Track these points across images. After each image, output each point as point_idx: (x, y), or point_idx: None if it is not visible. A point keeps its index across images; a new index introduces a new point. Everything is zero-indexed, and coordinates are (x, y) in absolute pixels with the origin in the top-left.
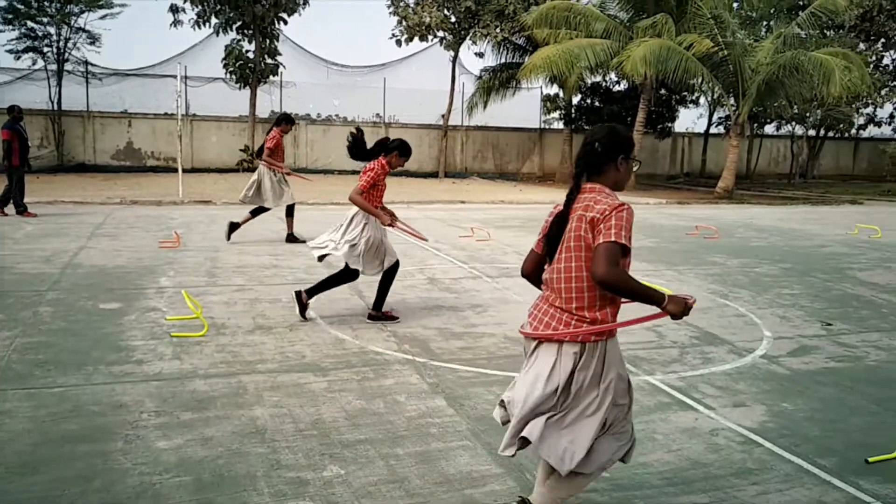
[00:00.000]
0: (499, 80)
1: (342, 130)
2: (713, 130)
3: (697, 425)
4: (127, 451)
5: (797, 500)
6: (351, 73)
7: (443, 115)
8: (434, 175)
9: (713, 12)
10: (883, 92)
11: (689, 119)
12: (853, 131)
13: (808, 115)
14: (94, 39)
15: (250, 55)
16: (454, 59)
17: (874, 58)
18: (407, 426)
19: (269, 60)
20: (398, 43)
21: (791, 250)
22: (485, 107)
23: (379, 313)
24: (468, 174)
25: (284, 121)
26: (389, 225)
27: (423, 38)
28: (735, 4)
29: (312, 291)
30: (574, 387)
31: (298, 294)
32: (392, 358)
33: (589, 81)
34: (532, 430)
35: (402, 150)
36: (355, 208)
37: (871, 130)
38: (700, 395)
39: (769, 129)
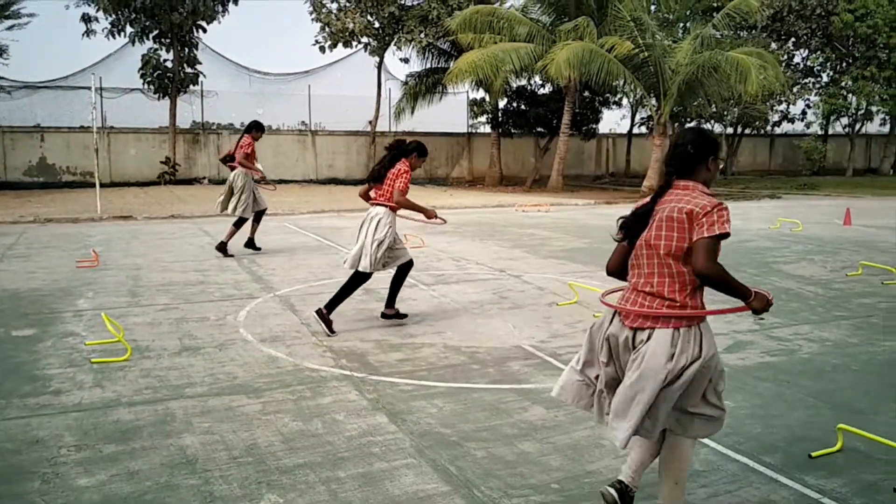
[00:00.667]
0: (425, 86)
1: (267, 139)
2: (636, 131)
3: None
4: (45, 491)
5: (746, 501)
6: (274, 80)
7: (370, 122)
8: (363, 182)
9: (633, 15)
10: (795, 89)
11: (613, 120)
12: (768, 128)
13: (726, 113)
14: (0, 51)
15: (168, 64)
16: (379, 65)
17: (786, 56)
18: (348, 447)
19: (188, 69)
20: (322, 49)
21: None
22: (412, 112)
23: (393, 311)
24: None
25: (255, 128)
26: (433, 217)
27: (346, 45)
28: (653, 7)
29: (331, 305)
30: (677, 369)
31: (319, 312)
32: (329, 374)
33: (514, 85)
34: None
35: (420, 150)
36: (377, 211)
37: (785, 127)
38: None
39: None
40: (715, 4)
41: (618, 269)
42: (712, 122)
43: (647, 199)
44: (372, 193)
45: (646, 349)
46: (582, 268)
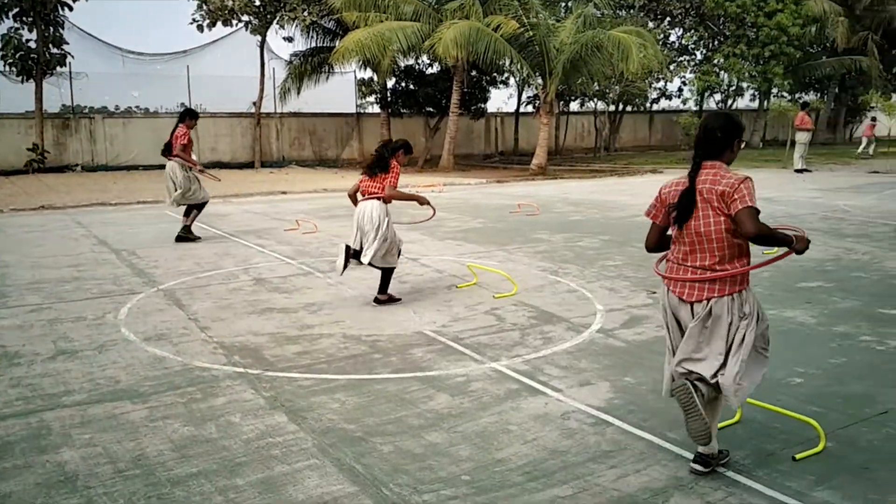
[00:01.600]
0: (311, 65)
1: (144, 123)
2: (523, 109)
3: (548, 410)
4: None
5: (656, 480)
6: (150, 61)
7: (254, 103)
8: (250, 165)
9: None
10: (672, 67)
11: (501, 99)
12: (648, 105)
13: (608, 91)
14: None
15: (32, 45)
16: (262, 44)
17: (662, 35)
18: (245, 451)
19: (54, 50)
20: (200, 28)
21: (607, 222)
22: (298, 92)
23: (387, 296)
24: (286, 163)
25: (189, 116)
26: (426, 203)
27: (226, 23)
28: None
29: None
30: (732, 331)
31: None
32: (221, 373)
33: (402, 64)
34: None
35: (406, 148)
36: (373, 209)
37: (663, 103)
38: (546, 378)
39: (574, 106)
40: None
41: (657, 246)
42: (595, 100)
43: (683, 180)
44: (362, 188)
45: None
46: (478, 248)
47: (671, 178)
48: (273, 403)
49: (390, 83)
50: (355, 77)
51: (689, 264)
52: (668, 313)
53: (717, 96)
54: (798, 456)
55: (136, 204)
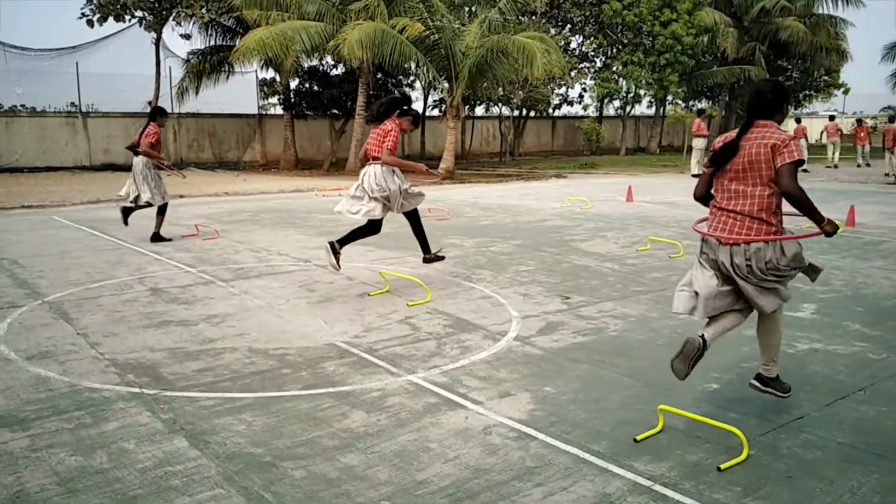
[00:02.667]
0: (210, 64)
1: (30, 123)
2: (429, 113)
3: (469, 425)
4: None
5: (583, 497)
6: (35, 57)
7: (149, 102)
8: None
9: None
10: (573, 73)
11: None
12: (550, 111)
13: (512, 96)
14: None
15: None
16: (157, 42)
17: (563, 42)
18: (141, 481)
19: None
20: (90, 23)
21: (518, 226)
22: (197, 92)
23: (432, 255)
24: (184, 165)
25: (159, 113)
26: (427, 172)
27: (118, 18)
28: None
29: (343, 241)
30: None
31: (332, 245)
32: (114, 394)
33: (306, 65)
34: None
35: (416, 120)
36: (373, 170)
37: (565, 109)
38: (466, 390)
39: (479, 110)
40: None
41: (705, 193)
42: (500, 105)
43: (733, 133)
44: (367, 145)
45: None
46: (389, 254)
47: (575, 181)
48: (172, 427)
49: (294, 84)
50: (257, 77)
51: (726, 208)
52: (705, 256)
53: (617, 103)
54: (723, 466)
55: (20, 209)
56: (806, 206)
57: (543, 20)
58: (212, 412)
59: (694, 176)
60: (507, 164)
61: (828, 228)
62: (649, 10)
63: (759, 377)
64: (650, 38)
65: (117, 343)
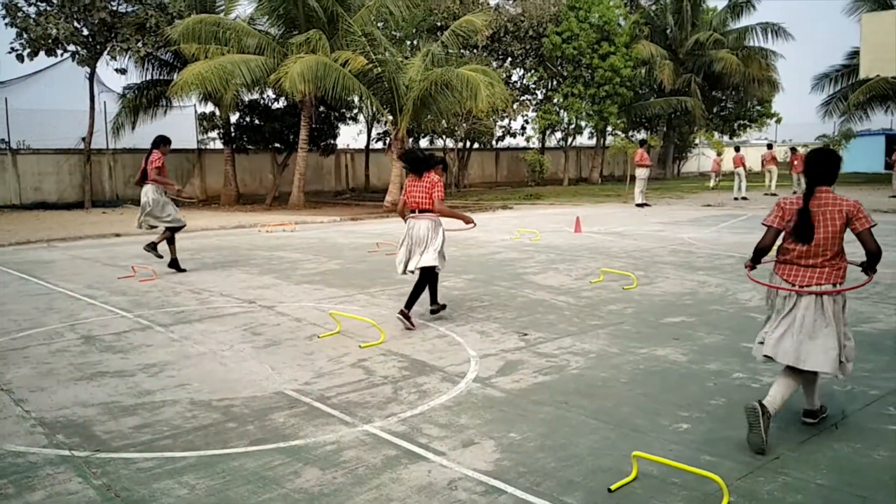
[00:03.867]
0: (147, 99)
1: None
2: (374, 146)
3: (433, 479)
4: None
5: None
6: None
7: (83, 138)
8: (79, 205)
9: (364, 29)
10: (515, 106)
11: (350, 135)
12: (494, 142)
13: (455, 129)
14: None
15: None
16: (91, 76)
17: (505, 75)
18: None
19: None
20: (20, 58)
21: (469, 260)
22: (133, 127)
23: (439, 305)
24: (120, 202)
25: (163, 142)
26: (468, 221)
27: (50, 53)
28: (380, 24)
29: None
30: (833, 318)
31: (402, 312)
32: (41, 458)
33: (247, 99)
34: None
35: (444, 165)
36: (423, 222)
37: (508, 141)
38: (426, 439)
39: (423, 143)
40: (439, 24)
41: (771, 247)
42: (444, 137)
43: (797, 200)
44: (409, 193)
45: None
46: (339, 292)
47: (521, 212)
48: (105, 494)
49: (234, 118)
50: (195, 111)
51: (802, 263)
52: (777, 299)
53: (558, 134)
54: None
55: None
56: (878, 260)
57: (485, 53)
58: (150, 475)
59: (638, 206)
60: (453, 196)
61: (873, 274)
62: (588, 44)
63: (807, 413)
64: (589, 71)
65: (45, 399)
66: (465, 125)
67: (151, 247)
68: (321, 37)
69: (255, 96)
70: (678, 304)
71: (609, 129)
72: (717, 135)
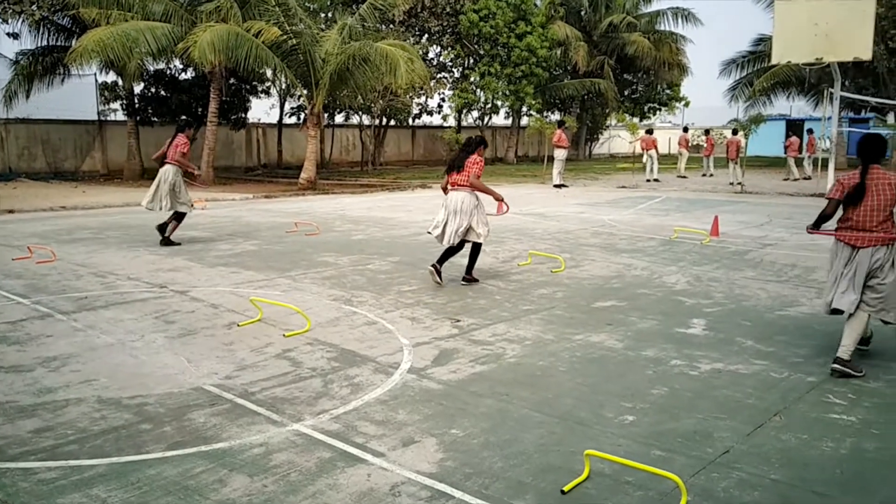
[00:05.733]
0: (42, 66)
1: None
2: (287, 121)
3: (374, 484)
4: None
5: None
6: None
7: None
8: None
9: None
10: (432, 83)
11: (262, 109)
12: (410, 120)
13: (372, 105)
14: None
15: None
16: None
17: (422, 52)
18: None
19: None
20: None
21: (393, 241)
22: (27, 96)
23: (472, 276)
24: (14, 175)
25: (188, 126)
26: (501, 200)
27: None
28: None
29: (469, 269)
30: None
31: (436, 269)
32: None
33: (152, 69)
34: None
35: (484, 143)
36: (460, 193)
37: (425, 119)
38: (363, 438)
39: (339, 118)
40: None
41: (832, 216)
42: (360, 113)
43: (856, 176)
44: (450, 181)
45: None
46: (257, 275)
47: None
48: None
49: (138, 88)
50: (96, 81)
51: (861, 227)
52: (839, 257)
53: (475, 113)
54: None
55: None
56: None
57: (402, 29)
58: (54, 488)
59: (556, 186)
60: (370, 174)
61: None
62: (505, 23)
63: (838, 360)
64: (506, 50)
65: None
66: (381, 102)
67: (167, 242)
68: (232, 5)
69: (162, 66)
70: (607, 287)
71: (525, 109)
72: (628, 117)
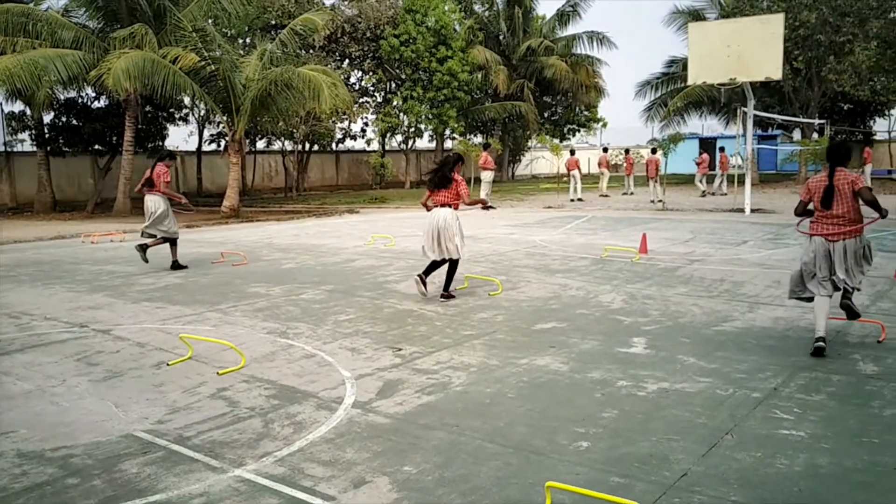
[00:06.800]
0: None
1: None
2: (206, 148)
3: None
4: None
5: None
6: None
7: None
8: None
9: (195, 25)
10: (355, 108)
11: (181, 137)
12: (334, 145)
13: (294, 131)
14: None
15: None
16: None
17: (344, 77)
18: None
19: None
20: None
21: (325, 269)
22: None
23: (450, 293)
24: None
25: (169, 157)
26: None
27: None
28: (210, 21)
29: (447, 287)
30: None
31: (421, 278)
32: None
33: (63, 97)
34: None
35: (462, 161)
36: (445, 211)
37: (349, 143)
38: (311, 481)
39: (260, 144)
40: (273, 22)
41: (803, 213)
42: (283, 139)
43: (823, 176)
44: (433, 198)
45: (846, 247)
46: (185, 310)
47: (369, 216)
48: None
49: (48, 118)
50: (2, 110)
51: (831, 222)
52: (817, 249)
53: (399, 137)
54: None
55: None
56: (877, 206)
57: (323, 54)
58: None
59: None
60: (294, 200)
61: (885, 214)
62: (426, 47)
63: (821, 339)
64: (428, 74)
65: None
66: (304, 127)
67: (176, 266)
68: (147, 31)
69: (73, 94)
70: (546, 309)
71: (448, 132)
72: (548, 138)
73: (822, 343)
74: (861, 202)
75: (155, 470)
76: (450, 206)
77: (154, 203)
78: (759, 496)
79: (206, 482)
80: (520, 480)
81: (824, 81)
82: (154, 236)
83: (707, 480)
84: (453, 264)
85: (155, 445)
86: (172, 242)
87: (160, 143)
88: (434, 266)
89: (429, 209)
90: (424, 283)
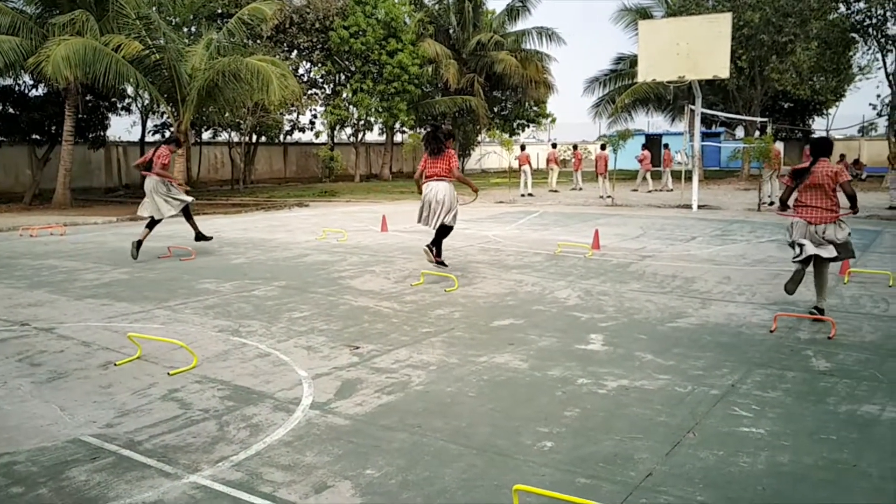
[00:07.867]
0: None
1: None
2: (149, 138)
3: None
4: None
5: None
6: None
7: None
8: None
9: (138, 12)
10: (303, 100)
11: (123, 127)
12: (282, 137)
13: (241, 122)
14: None
15: None
16: None
17: (292, 68)
18: None
19: None
20: None
21: (276, 265)
22: None
23: (442, 261)
24: None
25: (175, 142)
26: (477, 191)
27: None
28: (154, 8)
29: (438, 250)
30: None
31: (430, 249)
32: None
33: None
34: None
35: (453, 136)
36: (441, 184)
37: (297, 136)
38: (271, 487)
39: (206, 135)
40: (220, 11)
41: (787, 199)
42: (229, 130)
43: (806, 164)
44: (427, 171)
45: (828, 230)
46: (132, 307)
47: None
48: None
49: None
50: None
51: (811, 205)
52: (799, 231)
53: (348, 130)
54: None
55: None
56: (854, 199)
57: (271, 44)
58: None
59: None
60: (242, 193)
61: (857, 210)
62: (375, 40)
63: (817, 308)
64: (378, 67)
65: None
66: (251, 118)
67: (200, 237)
68: (88, 18)
69: (9, 82)
70: (502, 305)
71: (398, 125)
72: (498, 132)
73: (817, 308)
74: (842, 193)
75: (105, 477)
76: (444, 179)
77: (154, 184)
78: (725, 495)
79: (159, 489)
80: (485, 482)
81: (767, 80)
82: (149, 228)
83: (672, 480)
84: (445, 230)
85: (104, 451)
86: (188, 216)
87: (102, 133)
88: (437, 242)
89: (421, 190)
90: (433, 252)
